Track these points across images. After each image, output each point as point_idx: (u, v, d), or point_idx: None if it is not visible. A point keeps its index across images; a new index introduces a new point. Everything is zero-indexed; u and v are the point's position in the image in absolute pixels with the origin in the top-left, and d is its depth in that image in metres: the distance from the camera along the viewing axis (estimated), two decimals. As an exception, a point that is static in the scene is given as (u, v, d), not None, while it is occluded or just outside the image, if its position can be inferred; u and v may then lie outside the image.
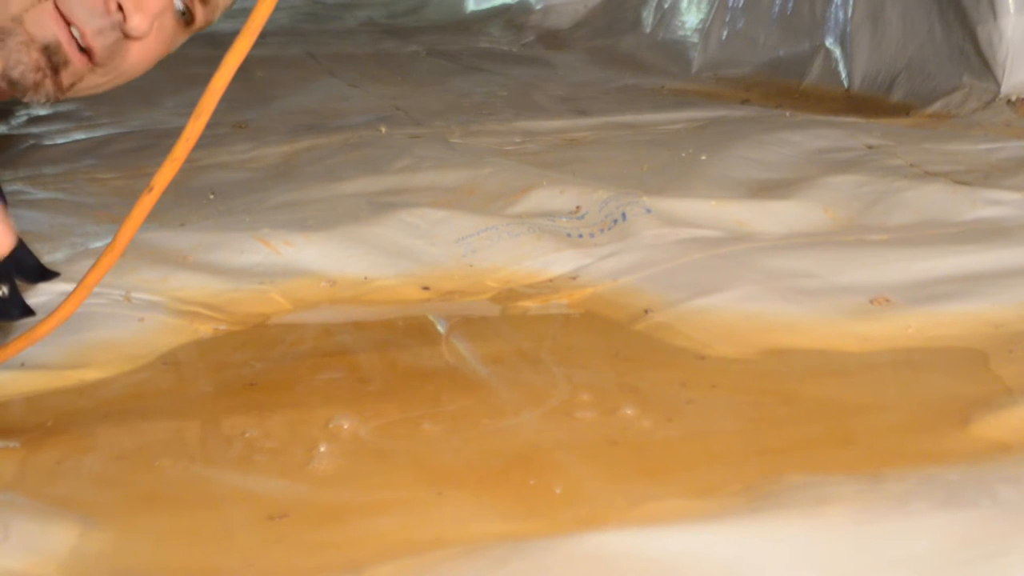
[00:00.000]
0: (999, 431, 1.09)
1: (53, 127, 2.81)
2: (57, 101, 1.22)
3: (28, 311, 1.39)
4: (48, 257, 1.60)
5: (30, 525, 0.98)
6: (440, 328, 1.46)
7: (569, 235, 1.69)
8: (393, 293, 1.56)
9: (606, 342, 1.40)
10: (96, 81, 1.21)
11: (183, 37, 1.26)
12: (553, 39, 4.11)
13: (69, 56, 1.17)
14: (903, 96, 2.72)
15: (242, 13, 1.20)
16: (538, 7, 4.45)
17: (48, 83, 1.18)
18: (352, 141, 2.42)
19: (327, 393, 1.27)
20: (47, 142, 2.66)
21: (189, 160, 1.16)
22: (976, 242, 1.59)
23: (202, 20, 1.26)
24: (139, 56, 1.21)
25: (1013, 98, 2.48)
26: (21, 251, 1.50)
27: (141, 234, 1.28)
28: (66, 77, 1.18)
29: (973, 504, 0.94)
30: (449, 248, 1.66)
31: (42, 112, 2.98)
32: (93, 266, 1.17)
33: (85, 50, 1.17)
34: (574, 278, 1.58)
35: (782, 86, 3.08)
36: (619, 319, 1.46)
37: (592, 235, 1.70)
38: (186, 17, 1.23)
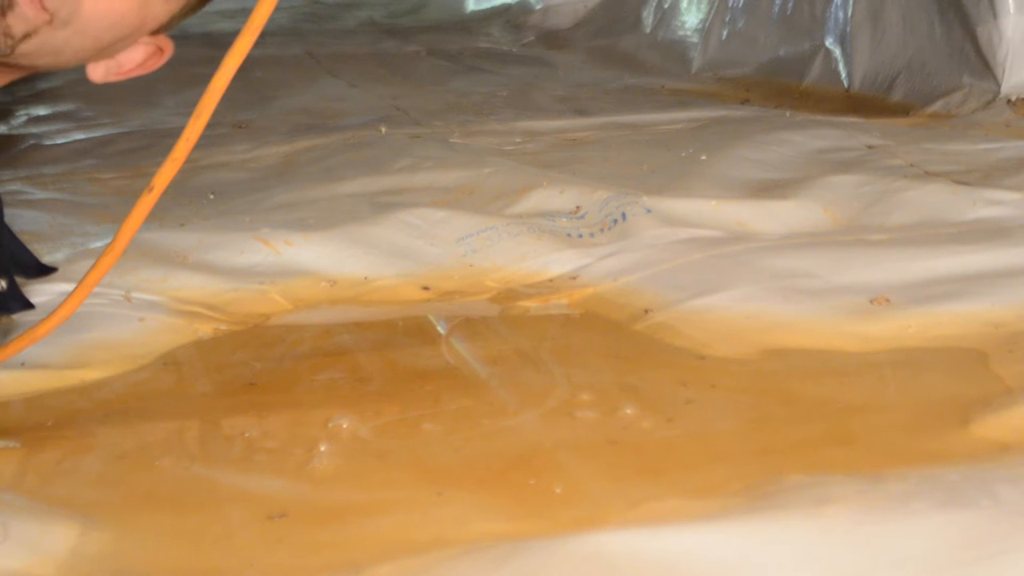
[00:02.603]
0: (999, 431, 1.10)
1: (53, 127, 2.81)
2: (10, 52, 1.14)
3: (28, 304, 1.40)
4: (48, 257, 1.60)
5: (30, 525, 0.98)
6: (440, 328, 1.46)
7: (569, 235, 1.69)
8: (393, 293, 1.56)
9: (606, 342, 1.40)
10: (55, 38, 1.15)
11: (161, 6, 1.19)
12: (553, 39, 4.11)
13: None
14: (903, 96, 2.72)
15: (242, 13, 1.19)
16: (538, 7, 4.45)
17: None
18: (352, 141, 2.41)
19: (327, 393, 1.27)
20: (47, 142, 2.66)
21: (189, 160, 1.16)
22: (976, 242, 1.59)
23: None
24: (98, 2, 1.14)
25: (1013, 98, 2.48)
26: (18, 248, 1.50)
27: (141, 234, 1.28)
28: (15, 23, 1.12)
29: (973, 504, 0.94)
30: (449, 248, 1.66)
31: (42, 112, 2.98)
32: (93, 266, 1.17)
33: None
34: (574, 278, 1.58)
35: (782, 86, 3.08)
36: (619, 319, 1.46)
37: (592, 235, 1.70)
38: None
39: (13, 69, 1.22)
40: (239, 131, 2.61)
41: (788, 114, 2.65)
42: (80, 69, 1.26)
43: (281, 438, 1.14)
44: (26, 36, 1.13)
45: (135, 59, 1.26)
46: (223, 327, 1.45)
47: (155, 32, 1.24)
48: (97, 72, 1.25)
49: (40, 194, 2.10)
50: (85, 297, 1.18)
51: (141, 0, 1.17)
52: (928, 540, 0.89)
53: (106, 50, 1.21)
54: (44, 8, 1.12)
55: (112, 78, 1.26)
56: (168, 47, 1.27)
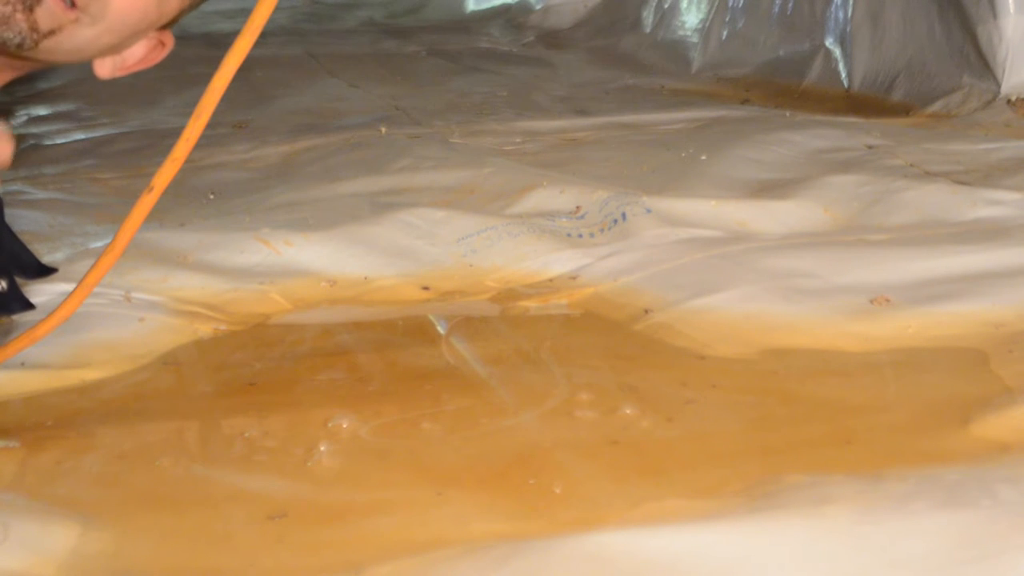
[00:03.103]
0: (999, 431, 1.10)
1: (53, 127, 2.81)
2: (35, 47, 1.14)
3: (28, 305, 1.40)
4: (48, 257, 1.60)
5: (30, 525, 0.98)
6: (440, 328, 1.46)
7: (569, 235, 1.69)
8: (393, 293, 1.56)
9: (606, 342, 1.40)
10: (82, 35, 1.15)
11: (178, 2, 1.20)
12: (553, 39, 4.11)
13: None
14: (903, 96, 2.72)
15: (242, 13, 1.19)
16: (538, 7, 4.45)
17: (20, 19, 1.12)
18: (352, 141, 2.41)
19: (327, 393, 1.27)
20: (47, 142, 2.66)
21: (189, 160, 1.16)
22: (976, 242, 1.59)
23: None
24: (126, 0, 1.15)
25: (1013, 98, 2.48)
26: (18, 248, 1.50)
27: (141, 234, 1.28)
28: (43, 19, 1.12)
29: (973, 504, 0.94)
30: (449, 248, 1.66)
31: (42, 112, 2.98)
32: (93, 266, 1.17)
33: None
34: (574, 278, 1.58)
35: (782, 86, 3.08)
36: (619, 319, 1.46)
37: (592, 235, 1.70)
38: None
39: (26, 62, 1.23)
40: (239, 131, 2.61)
41: (788, 114, 2.65)
42: (80, 68, 1.26)
43: (281, 438, 1.14)
44: (51, 32, 1.14)
45: (138, 53, 1.26)
46: (223, 327, 1.45)
47: (162, 27, 1.25)
48: (104, 68, 1.25)
49: (40, 194, 2.10)
50: (85, 297, 1.18)
51: None
52: (928, 540, 0.89)
53: (121, 45, 1.22)
54: (73, 5, 1.13)
55: (118, 73, 1.26)
56: (169, 40, 1.27)
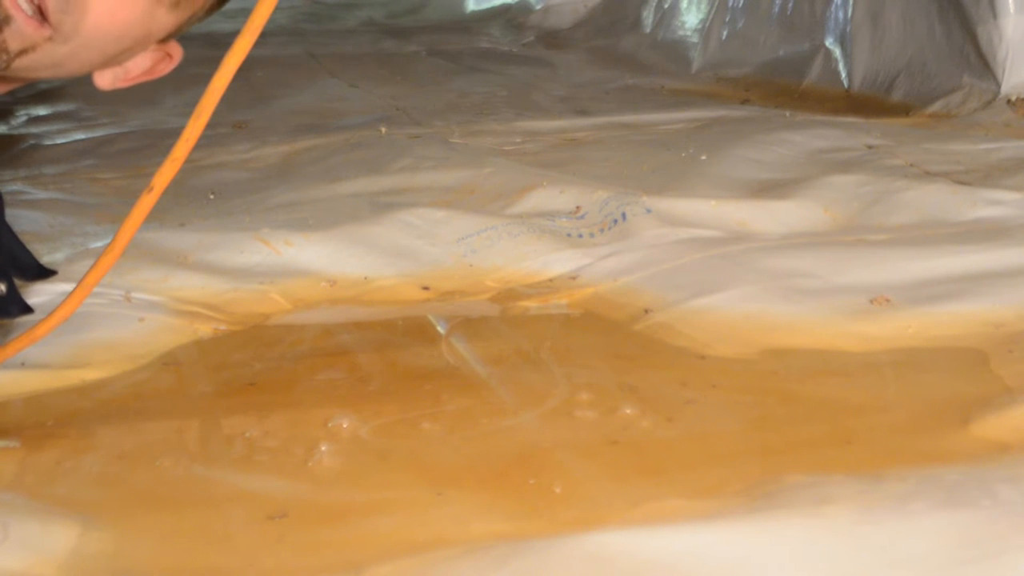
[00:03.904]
0: (999, 431, 1.10)
1: (53, 127, 2.81)
2: (7, 68, 1.12)
3: (27, 309, 1.39)
4: (48, 257, 1.60)
5: (30, 525, 0.98)
6: (440, 328, 1.46)
7: (569, 235, 1.69)
8: (393, 293, 1.56)
9: (606, 342, 1.40)
10: (56, 52, 1.13)
11: (167, 15, 1.18)
12: (553, 39, 4.11)
13: (10, 11, 1.08)
14: (903, 96, 2.72)
15: (242, 13, 1.19)
16: (538, 7, 4.45)
17: None
18: (352, 141, 2.41)
19: (327, 393, 1.27)
20: (47, 142, 2.66)
21: (189, 160, 1.16)
22: (976, 242, 1.59)
23: None
24: (102, 15, 1.12)
25: (1013, 98, 2.48)
26: (18, 249, 1.50)
27: (141, 234, 1.28)
28: (12, 39, 1.10)
29: (973, 504, 0.94)
30: (449, 248, 1.66)
31: (42, 112, 2.98)
32: (93, 266, 1.17)
33: (39, 10, 1.09)
34: (574, 278, 1.58)
35: (782, 86, 3.08)
36: (619, 319, 1.46)
37: (592, 235, 1.70)
38: None
39: (11, 80, 1.22)
40: (239, 131, 2.61)
41: (788, 114, 2.65)
42: (82, 70, 1.26)
43: (281, 438, 1.14)
44: (23, 52, 1.12)
45: (142, 65, 1.25)
46: (223, 327, 1.45)
47: (163, 39, 1.24)
48: (104, 79, 1.24)
49: (40, 194, 2.10)
50: (85, 297, 1.18)
51: (146, 11, 1.16)
52: (928, 540, 0.89)
53: (112, 60, 1.21)
54: (45, 24, 1.10)
55: (120, 84, 1.25)
56: (177, 53, 1.26)
